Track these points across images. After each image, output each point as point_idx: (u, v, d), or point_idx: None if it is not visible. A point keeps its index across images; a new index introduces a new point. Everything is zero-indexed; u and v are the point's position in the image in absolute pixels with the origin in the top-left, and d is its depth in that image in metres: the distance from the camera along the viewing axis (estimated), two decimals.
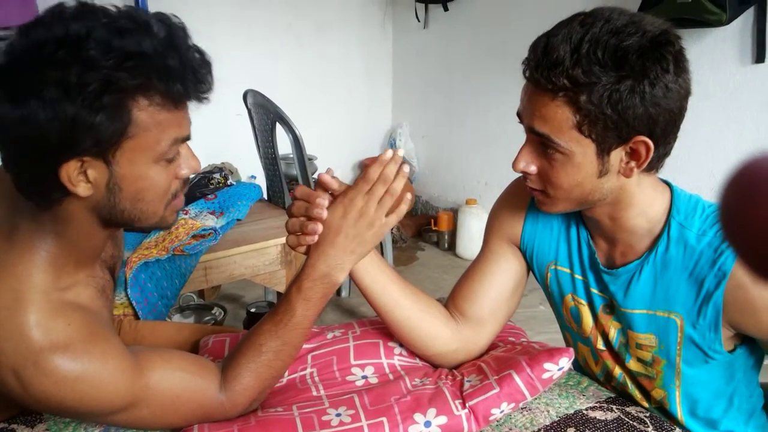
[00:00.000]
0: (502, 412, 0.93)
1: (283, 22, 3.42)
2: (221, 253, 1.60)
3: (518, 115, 0.88)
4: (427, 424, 0.90)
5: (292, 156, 2.27)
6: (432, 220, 3.51)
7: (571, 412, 0.98)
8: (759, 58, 2.14)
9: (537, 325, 2.07)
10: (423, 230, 3.59)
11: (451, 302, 1.07)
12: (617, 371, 1.01)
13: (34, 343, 0.74)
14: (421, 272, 3.16)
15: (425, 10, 3.54)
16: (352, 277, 0.97)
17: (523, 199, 1.05)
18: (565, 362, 0.94)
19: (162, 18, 0.73)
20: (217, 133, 2.68)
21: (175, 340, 1.18)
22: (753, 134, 2.22)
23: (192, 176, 1.98)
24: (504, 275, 1.05)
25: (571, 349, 0.95)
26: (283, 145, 2.28)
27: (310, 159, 2.89)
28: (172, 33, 0.72)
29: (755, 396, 1.01)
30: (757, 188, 0.28)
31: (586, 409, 0.98)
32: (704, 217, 0.88)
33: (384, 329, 1.10)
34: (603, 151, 0.83)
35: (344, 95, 3.78)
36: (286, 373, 1.02)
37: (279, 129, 2.24)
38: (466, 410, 0.91)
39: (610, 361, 1.02)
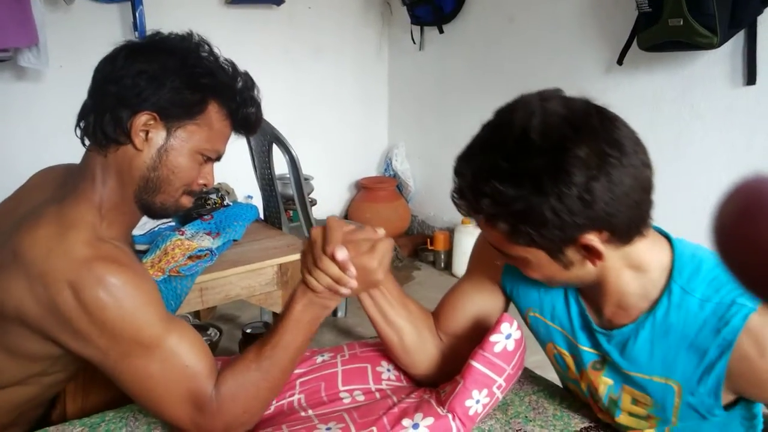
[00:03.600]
0: (478, 402, 0.94)
1: (279, 44, 3.46)
2: (217, 274, 1.59)
3: None
4: (416, 426, 0.92)
5: (288, 176, 2.27)
6: (428, 240, 3.52)
7: None
8: (750, 80, 2.17)
9: (531, 344, 2.06)
10: (419, 250, 3.60)
11: (435, 319, 1.10)
12: (602, 417, 1.00)
13: (84, 254, 0.85)
14: (417, 292, 3.16)
15: (421, 32, 3.58)
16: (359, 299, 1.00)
17: None
18: (507, 327, 0.96)
19: (249, 74, 1.00)
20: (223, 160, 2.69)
21: None
22: (744, 155, 2.24)
23: None
24: (481, 300, 1.06)
25: (509, 316, 0.96)
26: (280, 165, 2.29)
27: (306, 179, 2.90)
28: (254, 84, 1.01)
29: None
30: (754, 208, 0.28)
31: (581, 430, 0.98)
32: (708, 281, 0.82)
33: (372, 353, 1.11)
34: (554, 253, 0.81)
35: (341, 116, 3.81)
36: (274, 401, 1.02)
37: (276, 150, 2.25)
38: (450, 413, 0.93)
39: (595, 408, 1.00)
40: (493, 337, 0.95)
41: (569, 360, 0.98)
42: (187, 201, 0.99)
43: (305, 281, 0.90)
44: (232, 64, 0.98)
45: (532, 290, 0.99)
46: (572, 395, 1.08)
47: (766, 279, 0.29)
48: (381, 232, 0.91)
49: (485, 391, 0.95)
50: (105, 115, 0.90)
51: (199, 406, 0.89)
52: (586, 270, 0.83)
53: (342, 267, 0.86)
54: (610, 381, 0.93)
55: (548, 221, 0.75)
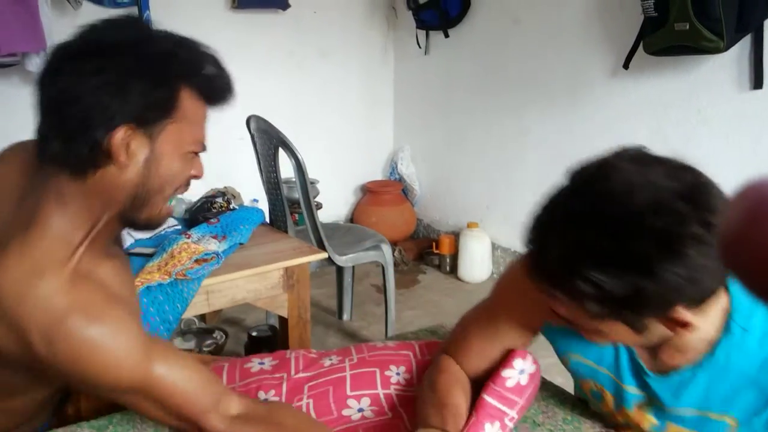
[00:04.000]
0: None
1: (285, 48, 3.47)
2: (223, 277, 1.60)
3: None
4: None
5: (294, 180, 2.28)
6: (434, 244, 3.52)
7: None
8: (756, 85, 2.16)
9: (540, 349, 2.05)
10: (425, 253, 3.59)
11: (455, 356, 1.04)
12: None
13: (58, 306, 0.79)
14: (422, 296, 3.15)
15: (426, 36, 3.59)
16: None
17: None
18: (520, 363, 0.94)
19: (197, 40, 0.89)
20: (220, 158, 2.70)
21: None
22: (751, 159, 2.23)
23: (195, 200, 2.00)
24: (508, 343, 1.00)
25: (523, 351, 0.94)
26: (286, 169, 2.30)
27: (312, 183, 2.90)
28: (211, 49, 0.90)
29: None
30: (759, 212, 0.28)
31: None
32: (766, 318, 0.80)
33: (381, 357, 1.10)
34: (635, 327, 0.76)
35: (346, 120, 3.81)
36: None
37: (281, 153, 2.26)
38: None
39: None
40: (505, 372, 0.94)
41: (609, 398, 0.95)
42: (167, 210, 0.91)
43: None
44: (175, 36, 0.87)
45: (577, 339, 0.92)
46: (583, 402, 1.07)
47: None
48: None
49: (497, 424, 0.94)
50: (74, 139, 0.80)
51: (201, 428, 0.90)
52: (659, 334, 0.79)
53: None
54: (655, 421, 0.91)
55: (650, 302, 0.70)
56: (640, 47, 2.37)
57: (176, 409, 0.88)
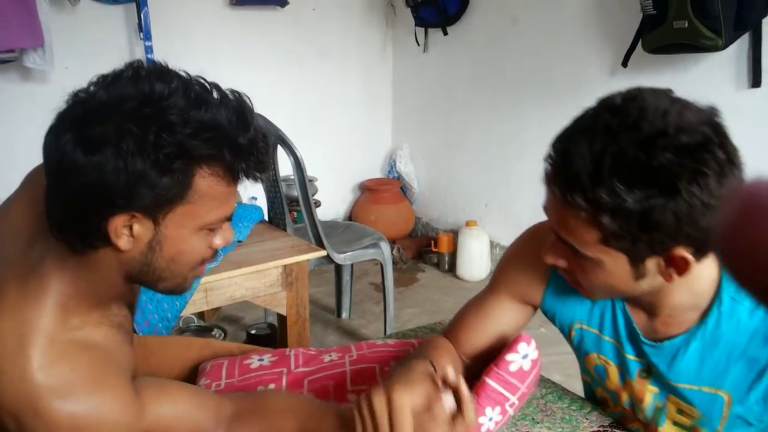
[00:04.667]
0: (491, 419, 0.94)
1: (284, 46, 3.47)
2: (222, 275, 1.60)
3: (544, 209, 0.81)
4: None
5: (293, 177, 2.28)
6: (432, 242, 3.52)
7: None
8: (755, 83, 2.16)
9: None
10: (423, 252, 3.59)
11: (452, 336, 1.05)
12: (637, 426, 0.99)
13: (35, 388, 0.73)
14: (421, 294, 3.15)
15: (425, 34, 3.59)
16: None
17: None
18: (524, 347, 0.94)
19: (236, 93, 0.75)
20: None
21: (183, 356, 1.18)
22: (749, 157, 2.23)
23: None
24: (504, 324, 1.02)
25: (527, 336, 0.94)
26: (284, 166, 2.29)
27: (310, 180, 2.90)
28: (245, 111, 0.74)
29: None
30: (755, 211, 0.28)
31: None
32: None
33: (380, 353, 1.10)
34: (636, 260, 0.77)
35: (345, 118, 3.81)
36: None
37: (280, 151, 2.25)
38: None
39: (632, 417, 0.99)
40: (509, 356, 0.94)
41: (612, 370, 0.96)
42: (202, 269, 0.83)
43: None
44: (212, 97, 0.73)
45: (579, 305, 0.96)
46: (582, 399, 1.07)
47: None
48: (464, 390, 0.79)
49: (498, 409, 0.94)
50: (72, 217, 0.73)
51: None
52: (653, 283, 0.80)
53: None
54: (655, 389, 0.92)
55: (664, 225, 0.70)
56: (639, 45, 2.37)
57: None
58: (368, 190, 3.81)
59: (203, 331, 2.02)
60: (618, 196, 0.69)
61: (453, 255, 3.39)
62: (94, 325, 0.81)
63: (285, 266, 1.70)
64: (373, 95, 3.90)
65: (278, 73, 3.46)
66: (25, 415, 0.73)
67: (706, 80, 2.31)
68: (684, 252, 0.73)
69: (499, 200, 3.31)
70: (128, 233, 0.73)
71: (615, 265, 0.77)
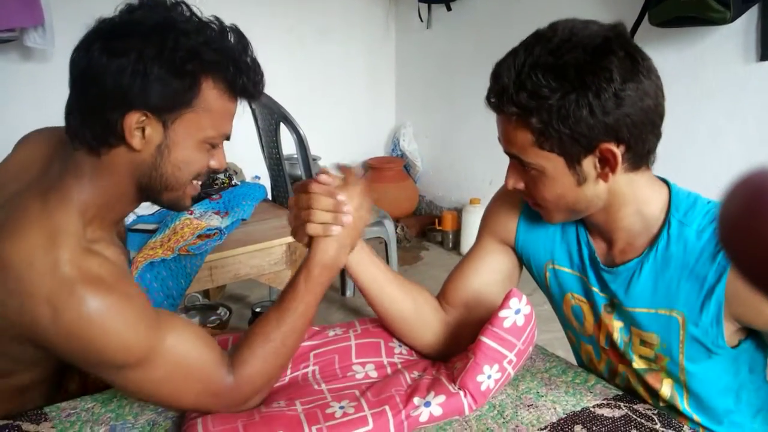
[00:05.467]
0: (490, 377, 0.95)
1: (285, 24, 3.43)
2: (226, 253, 1.60)
3: (499, 139, 0.93)
4: (427, 404, 0.92)
5: (296, 156, 2.27)
6: (436, 220, 3.52)
7: (578, 409, 0.97)
8: (763, 56, 2.13)
9: (540, 323, 2.06)
10: (427, 230, 3.60)
11: (441, 294, 1.11)
12: (621, 369, 1.02)
13: (68, 275, 0.80)
14: (425, 272, 3.16)
15: (428, 10, 3.54)
16: (349, 274, 1.02)
17: (517, 200, 1.06)
18: (516, 302, 0.96)
19: (238, 29, 0.89)
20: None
21: None
22: (756, 132, 2.21)
23: None
24: (490, 269, 1.08)
25: (518, 291, 0.98)
26: (288, 145, 2.29)
27: (314, 159, 2.89)
28: (244, 37, 0.88)
29: (763, 391, 1.01)
30: (759, 202, 0.27)
31: (594, 407, 0.98)
32: (704, 214, 0.88)
33: (385, 328, 1.11)
34: (572, 162, 0.85)
35: (348, 95, 3.79)
36: (289, 371, 1.03)
37: (283, 129, 2.24)
38: (461, 390, 0.94)
39: (614, 359, 1.02)
40: (502, 313, 0.96)
41: (586, 309, 1.02)
42: (192, 189, 0.93)
43: (308, 232, 0.92)
44: (218, 25, 0.87)
45: (548, 241, 1.03)
46: (586, 371, 1.08)
47: None
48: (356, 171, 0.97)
49: (496, 366, 0.95)
50: (91, 117, 0.83)
51: (215, 392, 0.89)
52: (596, 191, 0.88)
53: (330, 193, 0.92)
54: (620, 323, 0.97)
55: (581, 118, 0.79)
56: (646, 18, 2.34)
57: (188, 374, 0.87)
58: (372, 168, 3.80)
59: (208, 309, 2.03)
60: (538, 96, 0.80)
61: (457, 233, 3.39)
62: (108, 243, 0.89)
63: (289, 244, 1.70)
64: (376, 73, 3.88)
65: (280, 52, 3.43)
66: (59, 299, 0.79)
67: (714, 54, 2.28)
68: (612, 147, 0.82)
69: (503, 178, 3.28)
70: (140, 134, 0.83)
71: (555, 170, 0.86)
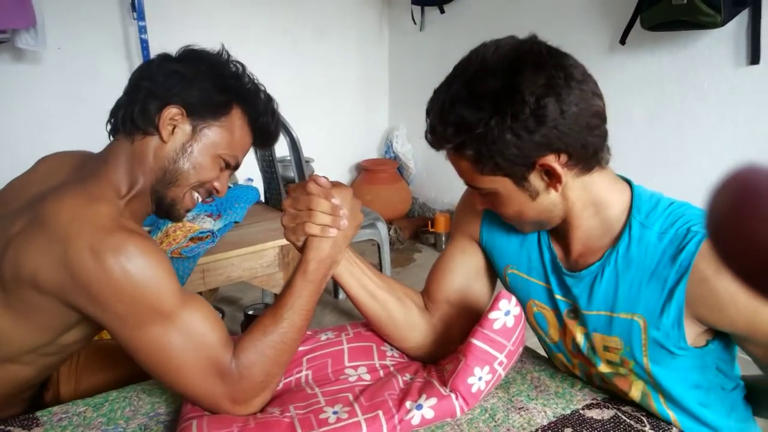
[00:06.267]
0: (480, 379, 0.95)
1: (279, 26, 3.43)
2: (219, 256, 1.60)
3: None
4: (419, 407, 0.93)
5: (289, 158, 2.27)
6: (429, 222, 3.52)
7: (568, 412, 0.98)
8: (753, 60, 2.15)
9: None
10: (420, 232, 3.60)
11: (424, 293, 1.13)
12: (593, 372, 1.01)
13: (109, 224, 0.87)
14: (418, 274, 3.16)
15: (421, 12, 3.55)
16: (336, 279, 1.02)
17: None
18: (506, 304, 0.96)
19: (268, 93, 1.07)
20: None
21: None
22: (747, 135, 2.23)
23: None
24: (466, 265, 1.10)
25: (507, 293, 0.97)
26: (281, 147, 2.28)
27: (307, 161, 2.89)
28: (274, 102, 1.08)
29: (735, 389, 0.99)
30: (747, 199, 0.27)
31: (583, 409, 0.99)
32: (666, 215, 0.87)
33: (377, 332, 1.11)
34: (519, 180, 0.86)
35: (341, 98, 3.79)
36: (283, 377, 1.02)
37: None
38: (453, 392, 0.94)
39: (585, 363, 1.01)
40: (492, 315, 0.96)
41: (549, 315, 1.01)
42: (191, 200, 1.02)
43: (307, 231, 0.94)
44: (255, 79, 1.05)
45: (508, 246, 1.04)
46: (573, 376, 1.08)
47: (763, 273, 0.28)
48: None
49: (487, 368, 0.95)
50: (136, 106, 0.97)
51: (220, 374, 0.90)
52: (552, 200, 0.88)
53: (327, 196, 0.95)
54: (584, 328, 0.96)
55: (507, 142, 0.81)
56: (637, 22, 2.35)
57: (197, 346, 0.89)
58: (365, 170, 3.80)
59: None
60: (462, 128, 0.83)
61: (450, 235, 3.39)
62: (137, 228, 0.94)
63: (282, 247, 1.70)
64: (369, 75, 3.88)
65: (274, 54, 3.43)
66: (102, 244, 0.84)
67: (705, 57, 2.29)
68: (550, 160, 0.83)
69: None
70: (171, 129, 0.97)
71: (506, 190, 0.88)
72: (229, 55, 1.04)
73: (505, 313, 0.96)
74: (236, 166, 1.05)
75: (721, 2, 2.02)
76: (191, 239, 1.56)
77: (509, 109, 0.79)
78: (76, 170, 1.00)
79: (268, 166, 2.35)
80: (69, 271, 0.84)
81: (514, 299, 0.97)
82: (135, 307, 0.86)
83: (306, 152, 2.41)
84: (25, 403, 1.10)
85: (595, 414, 0.97)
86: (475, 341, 0.96)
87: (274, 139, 1.09)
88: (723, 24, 2.08)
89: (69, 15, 2.77)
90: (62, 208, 0.87)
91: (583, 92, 0.81)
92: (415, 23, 3.57)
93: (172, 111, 0.96)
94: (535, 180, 0.86)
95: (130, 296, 0.85)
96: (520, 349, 1.03)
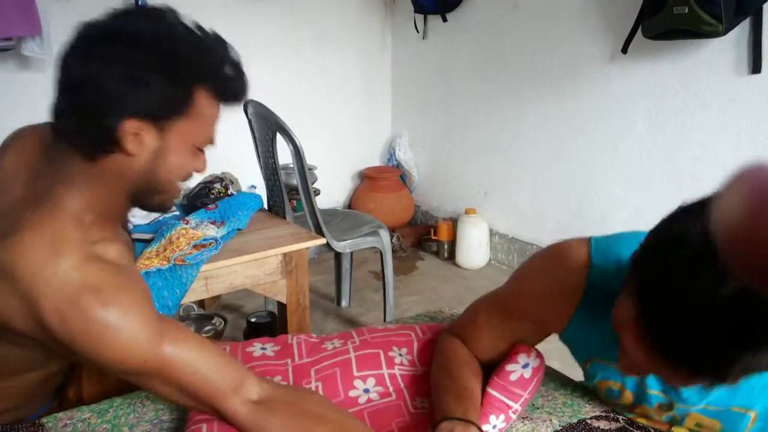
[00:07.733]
0: (495, 426, 0.94)
1: (283, 33, 3.45)
2: (222, 263, 1.60)
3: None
4: None
5: (292, 166, 2.27)
6: (432, 230, 3.52)
7: (575, 421, 0.98)
8: (755, 69, 2.16)
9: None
10: (423, 240, 3.60)
11: (469, 345, 1.04)
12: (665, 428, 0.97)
13: (73, 283, 0.80)
14: (420, 282, 3.16)
15: (424, 20, 3.57)
16: None
17: (574, 294, 0.90)
18: (524, 358, 0.95)
19: (218, 34, 0.92)
20: (217, 143, 2.69)
21: None
22: (748, 144, 2.23)
23: (193, 186, 2.00)
24: (516, 342, 1.01)
25: (524, 345, 0.94)
26: (284, 155, 2.29)
27: (310, 169, 2.90)
28: (228, 46, 0.92)
29: None
30: (760, 200, 0.26)
31: (590, 419, 0.98)
32: None
33: (383, 339, 1.11)
34: None
35: (344, 105, 3.80)
36: None
37: (279, 139, 2.25)
38: None
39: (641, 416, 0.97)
40: (509, 367, 0.96)
41: (628, 395, 0.94)
42: (177, 193, 0.95)
43: None
44: (202, 33, 0.88)
45: (598, 341, 0.91)
46: (584, 387, 1.08)
47: None
48: None
49: (502, 417, 0.95)
50: (87, 123, 0.83)
51: (219, 411, 0.88)
52: None
53: None
54: (676, 414, 0.91)
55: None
56: (639, 31, 2.36)
57: (194, 392, 0.87)
58: (367, 178, 3.80)
59: (203, 320, 2.03)
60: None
61: (452, 243, 3.40)
62: (110, 242, 0.88)
63: (285, 254, 1.70)
64: (372, 83, 3.89)
65: (277, 61, 3.44)
66: (66, 307, 0.79)
67: (707, 66, 2.30)
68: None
69: (499, 188, 3.31)
70: (136, 140, 0.84)
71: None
72: (164, 14, 0.86)
73: (523, 365, 0.96)
74: (213, 141, 0.95)
75: (722, 12, 2.03)
76: (194, 246, 1.57)
77: None
78: (32, 179, 0.89)
79: (271, 173, 2.35)
80: (40, 328, 0.80)
81: (534, 352, 0.96)
82: (111, 363, 0.83)
83: (309, 160, 2.42)
84: (48, 397, 1.09)
85: (602, 424, 0.97)
86: (492, 391, 0.96)
87: (245, 95, 0.94)
88: (724, 33, 2.08)
89: (75, 23, 2.78)
90: (22, 256, 0.80)
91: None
92: (417, 31, 3.59)
93: (133, 125, 0.83)
94: None
95: (104, 357, 0.82)
96: (535, 393, 1.02)
